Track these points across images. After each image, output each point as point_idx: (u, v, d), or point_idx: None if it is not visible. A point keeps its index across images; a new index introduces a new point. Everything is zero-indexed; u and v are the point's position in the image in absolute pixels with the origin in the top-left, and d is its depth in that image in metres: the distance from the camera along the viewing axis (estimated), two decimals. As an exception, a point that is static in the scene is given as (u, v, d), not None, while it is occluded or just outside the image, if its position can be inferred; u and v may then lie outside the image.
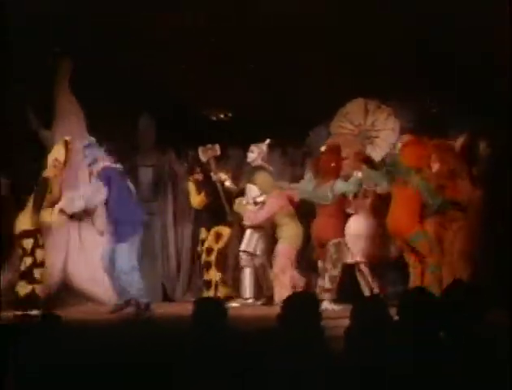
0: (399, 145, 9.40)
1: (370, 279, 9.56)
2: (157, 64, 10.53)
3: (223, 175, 10.45)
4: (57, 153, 9.76)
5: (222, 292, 10.33)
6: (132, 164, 10.94)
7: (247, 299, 10.27)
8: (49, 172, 9.64)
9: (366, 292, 9.37)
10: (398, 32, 9.74)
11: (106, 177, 9.41)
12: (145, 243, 10.43)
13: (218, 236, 10.48)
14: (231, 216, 10.48)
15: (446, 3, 9.40)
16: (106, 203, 9.45)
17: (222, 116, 10.88)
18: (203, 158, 10.50)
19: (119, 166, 9.64)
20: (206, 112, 10.92)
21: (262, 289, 10.28)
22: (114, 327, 8.60)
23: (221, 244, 10.47)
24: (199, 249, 10.64)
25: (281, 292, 9.49)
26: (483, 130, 9.52)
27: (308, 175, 9.68)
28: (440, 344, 4.32)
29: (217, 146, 10.44)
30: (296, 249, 9.95)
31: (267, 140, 10.28)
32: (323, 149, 9.61)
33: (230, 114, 10.87)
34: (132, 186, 9.73)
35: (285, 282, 9.78)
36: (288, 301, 4.78)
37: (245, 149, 10.41)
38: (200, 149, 10.52)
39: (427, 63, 9.87)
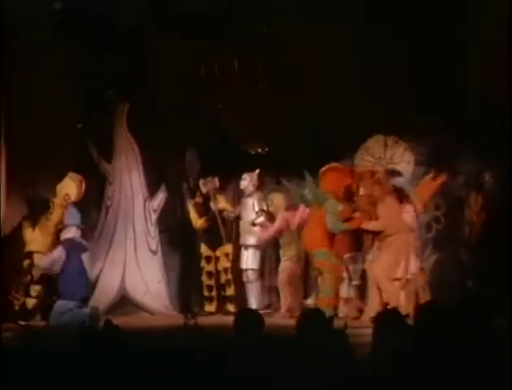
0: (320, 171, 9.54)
1: None
2: (201, 104, 10.69)
3: (220, 205, 10.63)
4: (69, 189, 10.00)
5: (232, 307, 10.64)
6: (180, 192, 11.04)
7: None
8: (57, 202, 9.89)
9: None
10: (413, 78, 9.85)
11: (66, 249, 9.67)
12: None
13: (227, 256, 10.75)
14: (228, 238, 10.76)
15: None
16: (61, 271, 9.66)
17: (259, 150, 10.99)
18: (204, 189, 10.84)
19: (82, 241, 9.89)
20: (245, 146, 11.02)
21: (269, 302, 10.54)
22: (165, 334, 8.73)
23: (231, 262, 10.75)
24: (204, 265, 10.84)
25: (287, 304, 9.82)
26: (486, 163, 9.53)
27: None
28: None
29: (216, 179, 10.80)
30: (299, 267, 10.13)
31: (257, 170, 10.57)
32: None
33: (266, 149, 10.97)
34: (85, 263, 9.93)
35: (289, 296, 9.97)
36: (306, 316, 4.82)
37: (278, 178, 10.64)
38: (201, 182, 10.85)
39: (440, 105, 9.91)
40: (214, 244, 10.80)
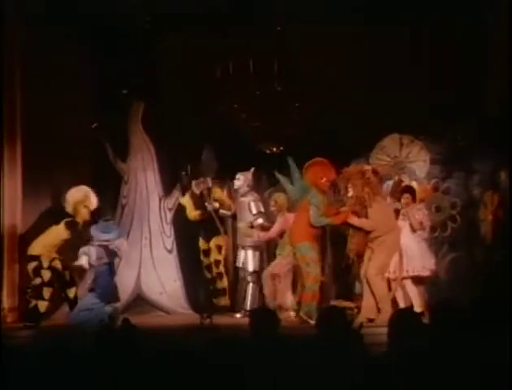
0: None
1: None
2: (216, 104, 10.71)
3: (216, 205, 10.51)
4: (88, 202, 9.86)
5: (224, 301, 10.48)
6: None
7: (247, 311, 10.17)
8: (77, 216, 9.82)
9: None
10: (430, 78, 9.92)
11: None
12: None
13: (219, 248, 10.53)
14: (224, 230, 10.62)
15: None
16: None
17: (274, 149, 10.92)
18: (196, 190, 10.62)
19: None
20: (260, 146, 10.96)
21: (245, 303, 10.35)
22: (181, 333, 8.66)
23: (223, 255, 10.59)
24: (204, 259, 10.62)
25: (285, 302, 9.69)
26: (503, 162, 9.47)
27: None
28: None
29: (209, 179, 10.64)
30: (289, 263, 9.94)
31: (252, 169, 10.45)
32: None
33: (281, 148, 10.90)
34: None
35: (288, 293, 9.85)
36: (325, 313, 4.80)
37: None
38: (193, 183, 10.67)
39: (456, 104, 9.91)
40: (210, 236, 10.58)
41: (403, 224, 9.33)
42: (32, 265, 9.62)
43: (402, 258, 9.17)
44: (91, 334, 5.15)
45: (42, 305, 9.59)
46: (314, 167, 9.37)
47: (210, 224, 10.49)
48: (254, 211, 10.43)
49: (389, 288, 9.15)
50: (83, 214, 9.82)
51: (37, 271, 9.59)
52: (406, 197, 9.39)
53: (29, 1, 10.01)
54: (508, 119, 9.37)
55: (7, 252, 9.90)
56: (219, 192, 10.65)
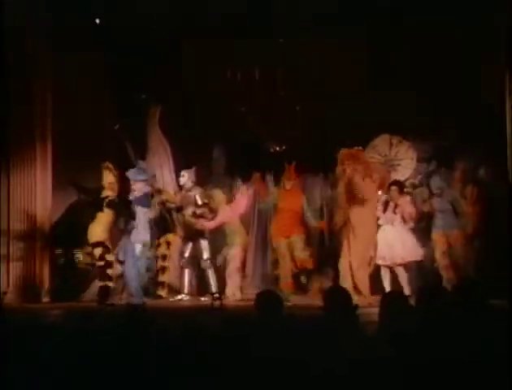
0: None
1: None
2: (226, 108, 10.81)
3: (163, 197, 10.49)
4: (109, 178, 9.96)
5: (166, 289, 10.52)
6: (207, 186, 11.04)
7: (186, 294, 10.36)
8: (108, 193, 9.87)
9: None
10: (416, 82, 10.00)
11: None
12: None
13: (168, 244, 10.57)
14: (174, 227, 10.60)
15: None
16: None
17: (277, 148, 11.01)
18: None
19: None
20: (266, 145, 11.06)
21: (209, 287, 10.28)
22: (193, 313, 8.78)
23: (171, 251, 10.60)
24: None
25: (233, 288, 9.82)
26: (482, 159, 9.76)
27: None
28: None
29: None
30: (244, 253, 10.14)
31: (193, 168, 10.50)
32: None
33: (284, 147, 10.99)
34: None
35: (237, 280, 9.97)
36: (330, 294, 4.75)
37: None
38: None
39: (441, 107, 10.02)
40: (162, 233, 10.58)
41: (394, 217, 9.45)
42: (97, 250, 9.73)
43: (395, 247, 9.38)
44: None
45: (110, 285, 9.75)
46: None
47: (164, 222, 10.53)
48: (199, 203, 10.39)
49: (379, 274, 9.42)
50: (116, 191, 9.94)
51: (103, 255, 9.71)
52: (394, 189, 9.51)
53: (55, 13, 10.14)
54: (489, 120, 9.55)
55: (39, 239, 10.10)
56: (165, 198, 10.56)
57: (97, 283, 9.74)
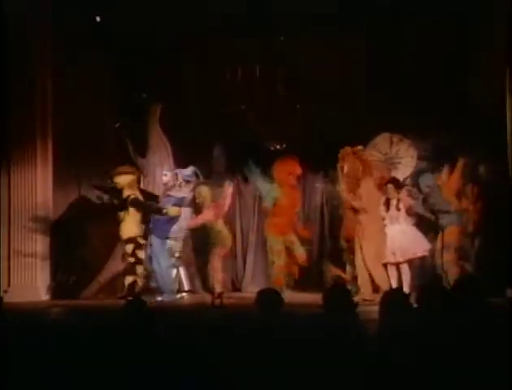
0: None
1: None
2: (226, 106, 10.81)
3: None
4: (129, 178, 9.82)
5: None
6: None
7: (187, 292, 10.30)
8: (128, 193, 9.77)
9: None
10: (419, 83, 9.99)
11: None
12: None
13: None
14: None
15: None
16: None
17: (277, 147, 10.98)
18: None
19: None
20: (266, 143, 11.03)
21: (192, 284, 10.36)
22: (192, 311, 8.87)
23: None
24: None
25: (218, 285, 9.59)
26: (480, 158, 9.74)
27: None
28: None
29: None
30: (227, 251, 10.01)
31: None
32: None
33: (284, 145, 10.96)
34: None
35: (219, 277, 9.76)
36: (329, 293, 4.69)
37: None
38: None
39: (439, 107, 10.01)
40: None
41: (398, 213, 9.41)
42: (129, 246, 9.69)
43: (405, 243, 9.32)
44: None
45: (139, 281, 9.71)
46: (282, 164, 9.62)
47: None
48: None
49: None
50: (135, 189, 9.89)
51: (134, 252, 9.68)
52: (390, 186, 9.47)
53: (56, 13, 10.14)
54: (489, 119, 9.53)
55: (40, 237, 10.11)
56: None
57: (127, 280, 9.67)
